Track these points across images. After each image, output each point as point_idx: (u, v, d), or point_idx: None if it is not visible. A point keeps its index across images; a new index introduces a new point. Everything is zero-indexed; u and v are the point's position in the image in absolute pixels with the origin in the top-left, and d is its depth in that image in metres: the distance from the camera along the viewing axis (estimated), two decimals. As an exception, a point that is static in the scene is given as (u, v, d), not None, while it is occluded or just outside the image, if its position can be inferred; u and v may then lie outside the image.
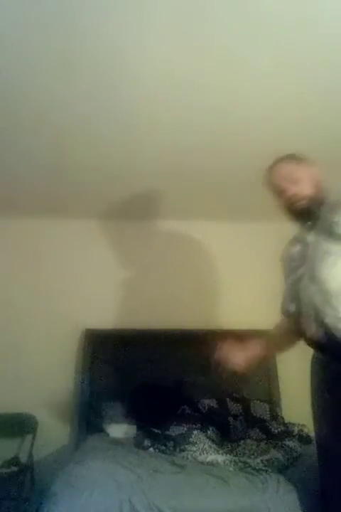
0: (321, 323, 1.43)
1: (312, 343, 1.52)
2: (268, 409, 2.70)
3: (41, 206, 3.12)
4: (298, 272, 1.56)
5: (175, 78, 1.89)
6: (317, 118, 2.14)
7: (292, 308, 1.58)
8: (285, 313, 1.67)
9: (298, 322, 1.56)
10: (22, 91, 1.95)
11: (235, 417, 2.58)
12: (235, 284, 3.21)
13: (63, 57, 1.76)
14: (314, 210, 1.54)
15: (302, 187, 1.54)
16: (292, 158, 1.61)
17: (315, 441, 1.60)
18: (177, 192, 2.92)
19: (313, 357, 1.59)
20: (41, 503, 1.65)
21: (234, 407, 2.66)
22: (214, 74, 1.87)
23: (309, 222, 1.57)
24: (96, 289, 3.19)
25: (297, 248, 1.60)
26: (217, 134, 2.30)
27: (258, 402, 2.76)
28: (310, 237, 1.53)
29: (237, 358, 1.76)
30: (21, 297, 3.15)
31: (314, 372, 1.58)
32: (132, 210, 3.19)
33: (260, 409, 2.69)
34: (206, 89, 1.96)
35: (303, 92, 1.99)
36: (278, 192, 1.60)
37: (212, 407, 2.63)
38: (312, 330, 1.47)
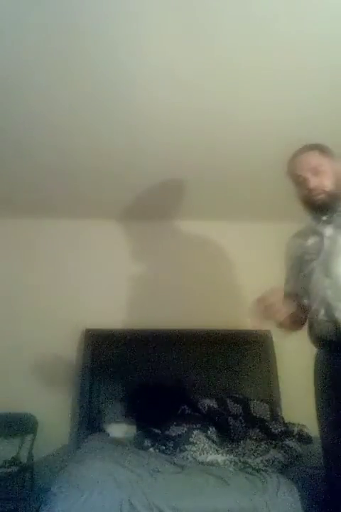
0: (331, 318, 1.43)
1: (319, 338, 1.52)
2: (268, 409, 2.70)
3: (41, 206, 3.12)
4: (311, 264, 1.55)
5: (175, 79, 1.89)
6: (316, 120, 2.14)
7: (306, 301, 1.57)
8: (290, 298, 1.64)
9: (306, 313, 1.55)
10: (22, 90, 1.95)
11: (235, 417, 2.58)
12: (235, 284, 3.20)
13: (63, 57, 1.76)
14: (332, 204, 1.52)
15: (324, 180, 1.51)
16: (316, 148, 1.57)
17: (320, 441, 1.59)
18: (177, 192, 2.91)
19: (317, 355, 1.58)
20: (41, 503, 1.65)
21: (234, 407, 2.66)
22: (215, 75, 1.87)
23: (325, 217, 1.55)
24: (96, 289, 3.19)
25: (312, 240, 1.58)
26: (216, 134, 2.30)
27: (258, 402, 2.75)
28: (328, 231, 1.52)
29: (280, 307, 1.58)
30: (21, 297, 3.15)
31: (318, 371, 1.57)
32: (132, 211, 3.19)
33: (260, 409, 2.69)
34: (206, 89, 1.96)
35: (303, 93, 1.98)
36: (299, 182, 1.57)
37: (212, 407, 2.63)
38: (321, 324, 1.47)
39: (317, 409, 1.57)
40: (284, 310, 1.49)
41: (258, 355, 3.08)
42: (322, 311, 1.47)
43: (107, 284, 3.20)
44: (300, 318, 1.64)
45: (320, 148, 1.57)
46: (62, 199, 3.04)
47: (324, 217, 1.56)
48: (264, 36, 1.68)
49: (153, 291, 3.22)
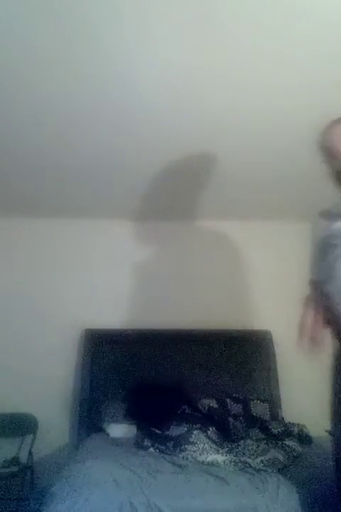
0: None
1: (339, 333, 1.43)
2: (268, 409, 2.70)
3: (41, 206, 3.12)
4: (336, 251, 1.44)
5: (176, 76, 1.89)
6: (318, 118, 2.13)
7: (327, 288, 1.46)
8: (315, 285, 1.55)
9: (329, 305, 1.45)
10: (22, 90, 1.95)
11: (235, 417, 2.58)
12: (235, 284, 3.21)
13: (63, 56, 1.76)
14: None
15: None
16: None
17: (334, 441, 1.50)
18: (178, 192, 2.92)
19: (338, 352, 1.48)
20: (41, 503, 1.66)
21: (234, 407, 2.67)
22: (215, 73, 1.87)
23: None
24: (96, 289, 3.19)
25: (339, 224, 1.47)
26: (217, 134, 2.30)
27: (258, 402, 2.76)
28: None
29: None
30: (21, 297, 3.14)
31: (337, 369, 1.49)
32: (132, 211, 3.19)
33: (260, 409, 2.69)
34: (207, 88, 1.96)
35: (304, 88, 1.98)
36: (332, 155, 1.46)
37: (212, 407, 2.63)
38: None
39: (335, 409, 1.48)
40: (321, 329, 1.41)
41: (258, 355, 3.08)
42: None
43: (107, 284, 3.19)
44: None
45: None
46: (62, 199, 3.04)
47: None
48: (263, 39, 1.68)
49: (153, 292, 3.21)
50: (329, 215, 1.53)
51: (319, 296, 1.51)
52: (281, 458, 2.02)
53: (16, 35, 1.67)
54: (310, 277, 1.59)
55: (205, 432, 2.32)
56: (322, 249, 1.50)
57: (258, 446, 2.22)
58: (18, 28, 1.64)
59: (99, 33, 1.67)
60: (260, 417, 2.62)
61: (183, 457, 2.06)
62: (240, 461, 1.97)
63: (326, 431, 1.54)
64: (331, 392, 1.50)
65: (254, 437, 2.38)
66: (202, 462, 2.00)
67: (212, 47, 1.73)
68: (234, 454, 2.12)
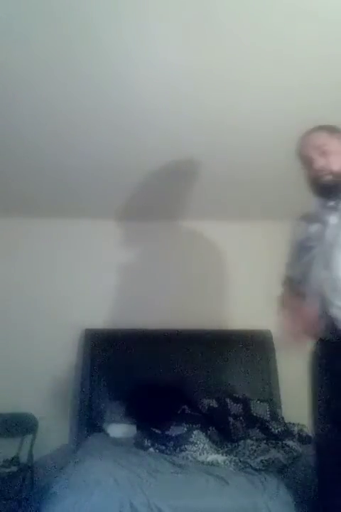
0: (326, 313, 1.38)
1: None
2: (268, 409, 2.70)
3: (41, 206, 3.12)
4: (312, 252, 1.48)
5: (176, 76, 1.89)
6: (316, 114, 2.13)
7: (302, 289, 1.51)
8: (289, 284, 1.61)
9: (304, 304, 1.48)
10: (22, 90, 1.95)
11: (235, 417, 2.58)
12: (235, 284, 3.20)
13: (64, 55, 1.76)
14: (339, 188, 1.46)
15: (332, 161, 1.46)
16: (325, 129, 1.52)
17: (313, 439, 1.58)
18: (178, 192, 2.92)
19: (314, 353, 1.54)
20: (41, 503, 1.66)
21: (234, 407, 2.66)
22: (215, 73, 1.87)
23: (332, 202, 1.49)
24: (96, 289, 3.19)
25: (315, 227, 1.51)
26: (216, 133, 2.30)
27: (258, 402, 2.76)
28: (333, 219, 1.45)
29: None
30: (21, 297, 3.14)
31: (313, 370, 1.54)
32: (132, 211, 3.19)
33: (260, 409, 2.69)
34: (207, 87, 1.95)
35: (304, 88, 1.98)
36: (306, 162, 1.51)
37: (212, 407, 2.63)
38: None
39: (312, 408, 1.53)
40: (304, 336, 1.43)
41: (258, 355, 3.07)
42: (318, 305, 1.41)
43: (107, 284, 3.19)
44: None
45: (330, 129, 1.52)
46: (62, 199, 3.04)
47: (330, 203, 1.49)
48: (263, 38, 1.68)
49: (153, 291, 3.21)
50: (307, 218, 1.59)
51: (294, 293, 1.55)
52: (281, 458, 2.02)
53: (16, 35, 1.67)
54: (286, 274, 1.65)
55: (205, 431, 2.32)
56: (299, 251, 1.56)
57: (258, 446, 2.22)
58: (18, 28, 1.64)
59: (99, 33, 1.67)
60: (260, 417, 2.62)
61: (183, 457, 2.06)
62: (240, 461, 1.97)
63: None
64: (309, 389, 1.54)
65: (254, 437, 2.38)
66: (202, 462, 2.00)
67: (212, 47, 1.73)
68: (234, 454, 2.12)
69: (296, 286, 1.57)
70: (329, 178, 1.46)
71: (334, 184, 1.46)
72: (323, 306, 1.39)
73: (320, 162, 1.46)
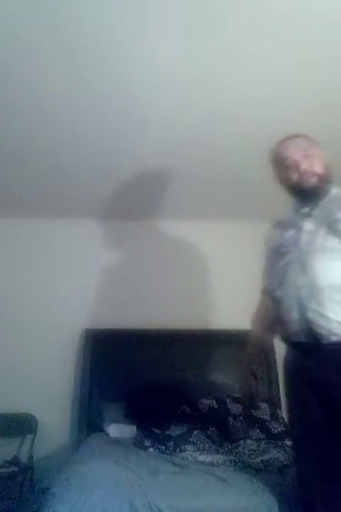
0: (303, 318, 1.40)
1: (290, 337, 1.50)
2: (268, 409, 2.70)
3: (41, 206, 3.12)
4: (287, 257, 1.51)
5: (177, 76, 1.89)
6: (316, 115, 2.14)
7: (279, 293, 1.53)
8: (267, 293, 1.64)
9: (279, 309, 1.52)
10: (22, 89, 1.95)
11: (235, 417, 2.58)
12: (235, 284, 3.20)
13: (65, 53, 1.76)
14: (320, 192, 1.49)
15: (314, 164, 1.49)
16: (304, 136, 1.56)
17: (293, 441, 1.63)
18: (178, 192, 2.91)
19: (287, 355, 1.57)
20: (41, 503, 1.65)
21: (234, 407, 2.66)
22: (216, 72, 1.87)
23: (306, 209, 1.52)
24: (96, 289, 3.19)
25: (290, 233, 1.54)
26: (216, 132, 2.30)
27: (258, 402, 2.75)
28: (308, 225, 1.48)
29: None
30: (21, 297, 3.15)
31: (288, 373, 1.56)
32: (132, 211, 3.19)
33: (260, 410, 2.68)
34: (207, 86, 1.96)
35: (304, 88, 1.98)
36: (287, 166, 1.52)
37: (212, 407, 2.63)
38: (292, 324, 1.44)
39: (288, 411, 1.58)
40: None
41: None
42: (294, 310, 1.43)
43: (107, 284, 3.19)
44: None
45: (306, 136, 1.56)
46: (62, 199, 3.04)
47: (305, 209, 1.52)
48: (267, 32, 1.68)
49: (154, 292, 3.21)
50: (281, 224, 1.62)
51: (271, 303, 1.59)
52: (281, 458, 2.02)
53: (16, 37, 1.67)
54: (262, 284, 1.69)
55: (205, 431, 2.32)
56: (274, 257, 1.59)
57: (258, 446, 2.22)
58: (18, 30, 1.64)
59: (98, 34, 1.67)
60: (260, 417, 2.62)
61: (183, 457, 2.06)
62: (240, 461, 1.97)
63: None
64: (284, 392, 1.59)
65: (254, 437, 2.38)
66: (202, 462, 2.00)
67: (212, 48, 1.74)
68: (234, 454, 2.12)
69: (273, 293, 1.59)
70: (313, 179, 1.49)
71: (317, 186, 1.49)
72: (300, 311, 1.41)
73: (305, 164, 1.49)
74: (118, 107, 2.09)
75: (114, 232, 3.30)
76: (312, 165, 1.49)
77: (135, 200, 3.04)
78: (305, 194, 1.52)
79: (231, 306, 3.18)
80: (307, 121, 2.11)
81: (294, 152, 1.52)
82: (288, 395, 1.58)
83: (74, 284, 3.19)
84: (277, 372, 3.03)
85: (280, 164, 1.56)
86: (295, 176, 1.51)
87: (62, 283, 3.19)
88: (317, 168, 1.49)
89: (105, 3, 1.54)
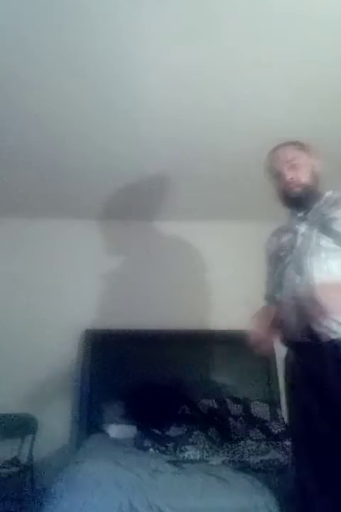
0: (300, 316, 1.41)
1: (289, 337, 1.51)
2: (268, 410, 2.70)
3: (41, 206, 3.12)
4: (285, 260, 1.55)
5: (176, 76, 1.89)
6: (316, 115, 2.14)
7: (278, 296, 1.57)
8: (270, 299, 1.67)
9: (279, 311, 1.55)
10: (24, 89, 1.95)
11: (235, 417, 2.58)
12: (235, 284, 3.20)
13: (66, 54, 1.76)
14: (308, 200, 1.54)
15: (300, 174, 1.53)
16: (294, 144, 1.60)
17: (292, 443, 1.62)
18: (178, 192, 2.92)
19: (287, 357, 1.58)
20: (41, 503, 1.65)
21: (234, 408, 2.66)
22: (216, 73, 1.87)
23: (301, 213, 1.56)
24: (96, 289, 3.19)
25: (286, 237, 1.59)
26: (215, 133, 2.30)
27: (258, 402, 2.75)
28: (302, 228, 1.52)
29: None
30: (21, 297, 3.15)
31: (289, 374, 1.57)
32: (132, 211, 3.19)
33: (260, 410, 2.69)
34: (207, 87, 1.96)
35: (304, 89, 1.98)
36: (275, 175, 1.59)
37: (212, 407, 2.63)
38: (291, 323, 1.46)
39: (289, 411, 1.58)
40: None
41: (258, 355, 3.07)
42: (293, 310, 1.45)
43: (107, 284, 3.19)
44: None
45: (298, 144, 1.59)
46: (62, 199, 3.04)
47: (299, 214, 1.57)
48: (265, 32, 1.68)
49: (153, 292, 3.22)
50: (279, 231, 1.68)
51: (275, 308, 1.61)
52: (281, 458, 2.01)
53: (18, 38, 1.67)
54: (265, 292, 1.73)
55: (205, 432, 2.32)
56: (274, 262, 1.64)
57: (258, 446, 2.22)
58: (20, 31, 1.64)
59: (98, 34, 1.67)
60: (260, 418, 2.62)
61: (183, 457, 2.06)
62: (240, 462, 1.97)
63: None
64: (284, 392, 1.60)
65: (254, 437, 2.38)
66: (202, 462, 2.00)
67: (213, 50, 1.74)
68: (234, 454, 2.12)
69: (274, 300, 1.62)
70: (298, 190, 1.53)
71: (302, 196, 1.54)
72: (297, 310, 1.43)
73: (289, 175, 1.53)
74: (120, 109, 2.09)
75: (115, 232, 3.30)
76: (297, 175, 1.53)
77: (134, 201, 3.05)
78: (292, 202, 1.58)
79: (230, 306, 3.18)
80: (307, 121, 2.13)
81: (280, 163, 1.57)
82: (288, 394, 1.59)
83: (75, 285, 3.19)
84: (277, 372, 3.04)
85: (270, 173, 1.63)
86: (281, 186, 1.57)
87: (63, 283, 3.20)
88: (304, 177, 1.53)
89: (107, 5, 1.54)
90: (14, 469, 2.61)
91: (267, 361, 3.06)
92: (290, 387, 1.56)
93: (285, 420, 2.65)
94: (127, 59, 1.80)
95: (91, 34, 1.67)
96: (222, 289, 3.24)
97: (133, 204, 3.09)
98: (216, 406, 2.64)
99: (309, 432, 1.43)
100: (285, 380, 1.60)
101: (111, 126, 2.22)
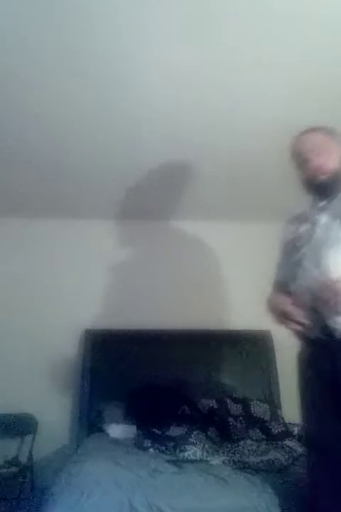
0: (316, 312, 1.38)
1: (303, 332, 1.46)
2: (268, 410, 2.70)
3: (42, 206, 3.12)
4: (301, 251, 1.49)
5: (178, 76, 1.89)
6: (316, 115, 2.13)
7: (293, 287, 1.51)
8: (279, 287, 1.61)
9: (293, 304, 1.47)
10: (24, 89, 1.95)
11: (235, 417, 2.58)
12: (235, 284, 3.20)
13: (66, 54, 1.76)
14: (333, 188, 1.47)
15: (328, 160, 1.46)
16: (320, 129, 1.52)
17: (306, 440, 1.59)
18: (179, 192, 2.91)
19: (301, 352, 1.54)
20: (41, 503, 1.65)
21: (234, 408, 2.66)
22: (216, 73, 1.87)
23: (323, 202, 1.50)
24: (96, 289, 3.19)
25: (305, 227, 1.53)
26: (219, 132, 2.30)
27: (258, 402, 2.75)
28: (323, 219, 1.46)
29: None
30: (21, 297, 3.15)
31: (303, 370, 1.53)
32: (132, 211, 3.19)
33: (260, 410, 2.68)
34: (207, 87, 1.96)
35: (304, 89, 1.98)
36: (301, 162, 1.52)
37: (212, 407, 2.63)
38: (305, 317, 1.40)
39: (302, 408, 1.53)
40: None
41: (258, 355, 3.07)
42: (309, 304, 1.40)
43: (107, 284, 3.19)
44: None
45: (325, 129, 1.52)
46: (63, 199, 3.04)
47: (321, 204, 1.51)
48: (265, 32, 1.68)
49: (153, 292, 3.22)
50: (295, 219, 1.61)
51: (284, 296, 1.53)
52: (281, 458, 2.01)
53: (17, 37, 1.67)
54: (275, 278, 1.66)
55: (205, 432, 2.32)
56: (289, 251, 1.58)
57: (258, 446, 2.22)
58: (20, 31, 1.64)
59: (98, 34, 1.67)
60: (260, 418, 2.62)
61: (183, 457, 2.06)
62: (240, 461, 1.97)
63: None
64: (298, 389, 1.53)
65: (254, 437, 2.38)
66: (202, 462, 2.00)
67: (213, 49, 1.74)
68: (234, 454, 2.12)
69: (285, 288, 1.57)
70: (324, 177, 1.47)
71: (329, 183, 1.47)
72: (312, 304, 1.39)
73: (315, 162, 1.47)
74: (121, 108, 2.09)
75: (115, 232, 3.30)
76: (325, 161, 1.46)
77: (135, 201, 3.04)
78: (317, 190, 1.51)
79: (230, 306, 3.19)
80: (307, 121, 2.12)
81: (307, 148, 1.50)
82: (302, 391, 1.53)
83: (75, 285, 3.19)
84: (277, 372, 3.04)
85: (295, 159, 1.56)
86: (306, 173, 1.51)
87: (63, 283, 3.19)
88: (332, 164, 1.46)
89: (107, 5, 1.54)
90: (14, 469, 2.62)
91: (267, 361, 3.06)
92: (305, 383, 1.52)
93: (285, 420, 2.66)
94: (127, 59, 1.80)
95: (92, 34, 1.67)
96: (222, 290, 3.24)
97: (134, 204, 3.09)
98: (216, 406, 2.64)
99: (323, 429, 1.40)
100: (299, 376, 1.55)
101: (111, 126, 2.22)
